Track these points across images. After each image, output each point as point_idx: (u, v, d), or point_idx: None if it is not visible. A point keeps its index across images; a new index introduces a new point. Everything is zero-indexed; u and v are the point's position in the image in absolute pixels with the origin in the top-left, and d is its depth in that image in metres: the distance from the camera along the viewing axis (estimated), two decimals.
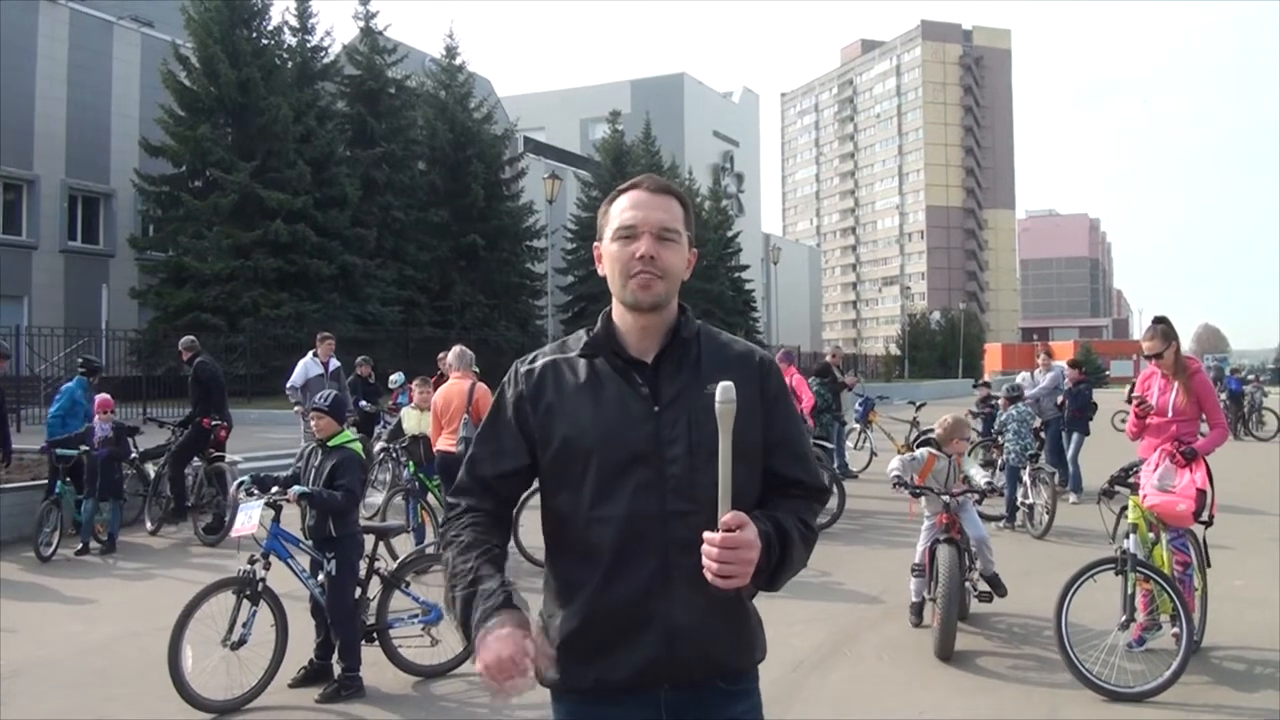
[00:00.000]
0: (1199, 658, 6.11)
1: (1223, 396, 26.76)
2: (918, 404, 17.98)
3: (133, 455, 10.93)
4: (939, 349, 76.17)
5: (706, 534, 1.88)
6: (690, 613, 1.99)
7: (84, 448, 9.96)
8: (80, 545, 9.76)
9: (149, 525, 10.85)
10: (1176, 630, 5.71)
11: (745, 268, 58.61)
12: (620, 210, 2.12)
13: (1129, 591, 5.79)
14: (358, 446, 5.92)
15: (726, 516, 1.87)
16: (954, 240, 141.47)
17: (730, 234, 57.53)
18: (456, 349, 9.28)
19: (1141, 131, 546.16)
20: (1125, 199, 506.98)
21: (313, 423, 5.97)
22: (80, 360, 11.30)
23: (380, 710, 5.48)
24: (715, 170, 68.95)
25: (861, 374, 43.94)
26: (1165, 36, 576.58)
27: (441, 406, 8.91)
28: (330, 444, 5.81)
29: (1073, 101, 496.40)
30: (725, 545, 1.86)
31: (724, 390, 1.86)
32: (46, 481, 10.31)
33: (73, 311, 28.86)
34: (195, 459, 10.70)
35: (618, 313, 2.15)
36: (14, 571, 9.06)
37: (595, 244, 2.20)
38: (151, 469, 11.19)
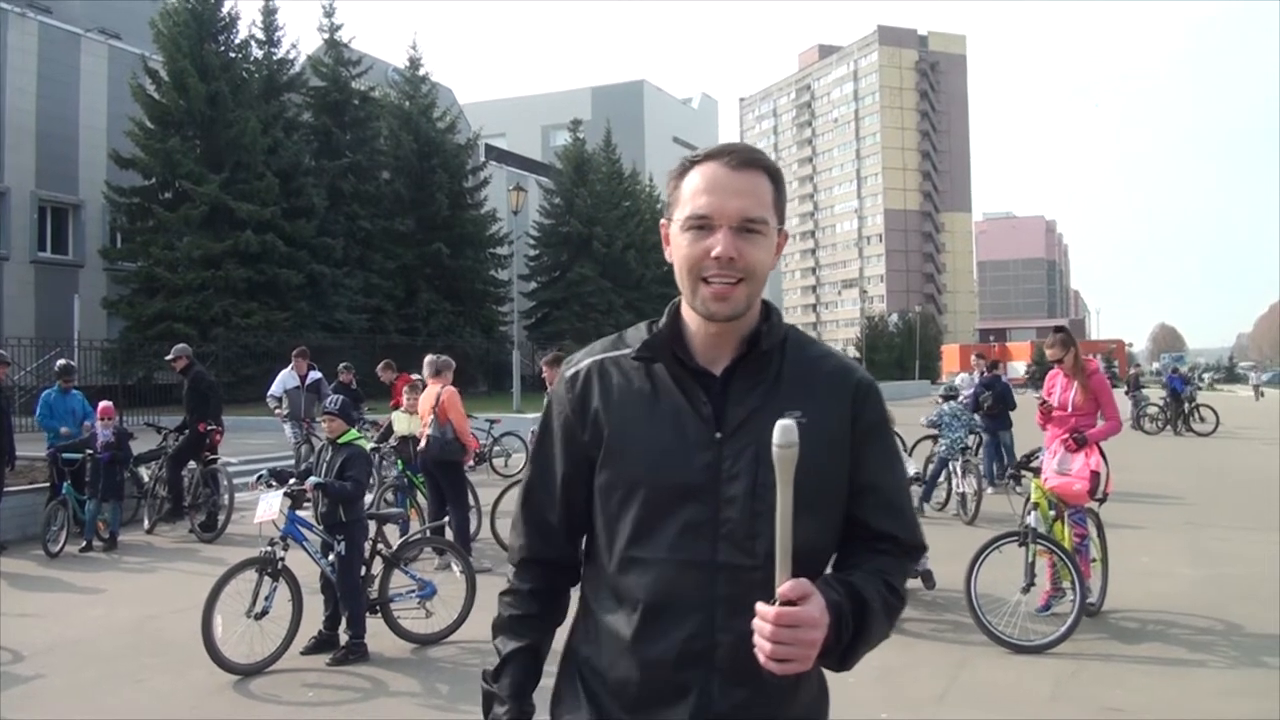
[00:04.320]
0: (1099, 619, 7.12)
1: (1163, 394, 28.08)
2: None
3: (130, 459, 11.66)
4: (897, 350, 77.61)
5: (759, 606, 1.51)
6: (735, 689, 1.63)
7: (88, 451, 10.66)
8: (84, 543, 10.41)
9: (145, 524, 11.53)
10: (1074, 597, 6.66)
11: None
12: (693, 191, 1.68)
13: (1030, 560, 6.76)
14: (364, 443, 6.77)
15: (784, 586, 1.49)
16: (912, 243, 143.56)
17: None
18: (429, 358, 10.08)
19: (1097, 134, 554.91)
20: (1082, 201, 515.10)
21: (324, 424, 6.80)
22: (56, 368, 11.95)
23: (383, 671, 6.27)
24: None
25: None
26: (1117, 41, 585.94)
27: (422, 410, 9.79)
28: (340, 441, 6.64)
29: (1028, 105, 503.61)
30: (781, 622, 1.48)
31: (783, 431, 1.47)
32: (47, 485, 10.96)
33: (43, 321, 29.11)
34: (191, 462, 11.40)
35: (688, 310, 1.75)
36: (27, 567, 9.71)
37: (662, 221, 1.79)
38: (145, 472, 11.88)
